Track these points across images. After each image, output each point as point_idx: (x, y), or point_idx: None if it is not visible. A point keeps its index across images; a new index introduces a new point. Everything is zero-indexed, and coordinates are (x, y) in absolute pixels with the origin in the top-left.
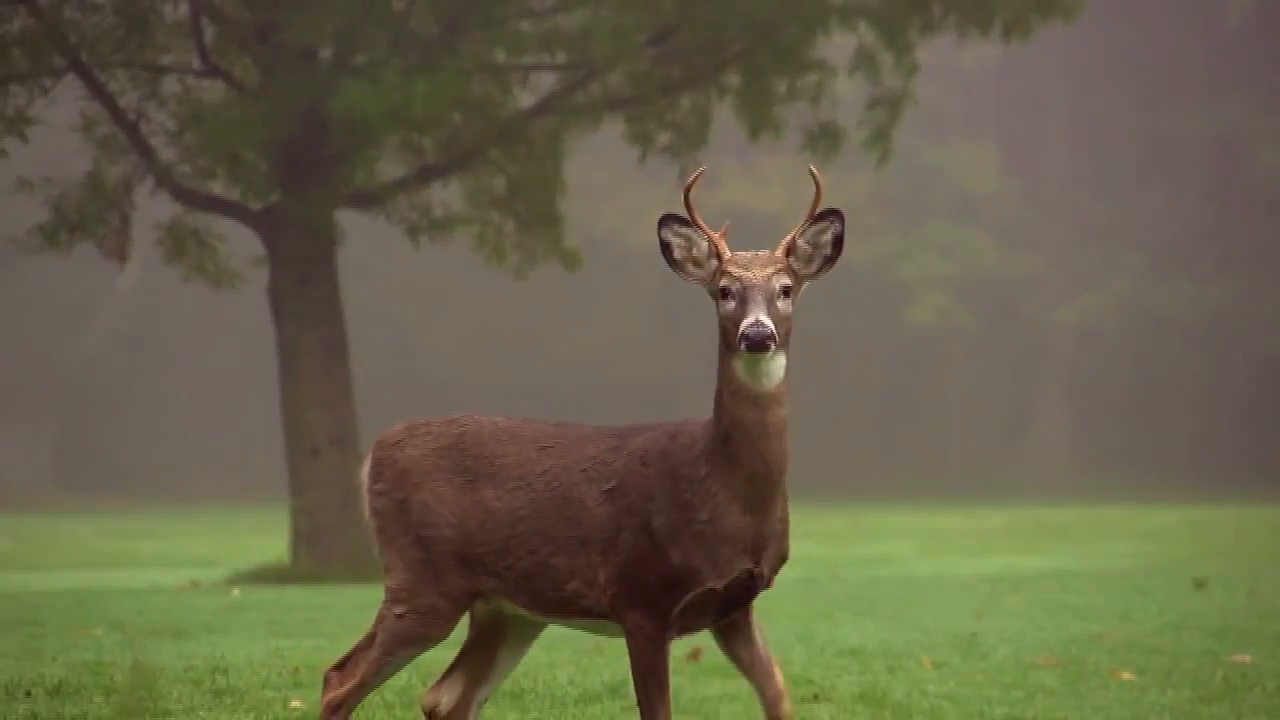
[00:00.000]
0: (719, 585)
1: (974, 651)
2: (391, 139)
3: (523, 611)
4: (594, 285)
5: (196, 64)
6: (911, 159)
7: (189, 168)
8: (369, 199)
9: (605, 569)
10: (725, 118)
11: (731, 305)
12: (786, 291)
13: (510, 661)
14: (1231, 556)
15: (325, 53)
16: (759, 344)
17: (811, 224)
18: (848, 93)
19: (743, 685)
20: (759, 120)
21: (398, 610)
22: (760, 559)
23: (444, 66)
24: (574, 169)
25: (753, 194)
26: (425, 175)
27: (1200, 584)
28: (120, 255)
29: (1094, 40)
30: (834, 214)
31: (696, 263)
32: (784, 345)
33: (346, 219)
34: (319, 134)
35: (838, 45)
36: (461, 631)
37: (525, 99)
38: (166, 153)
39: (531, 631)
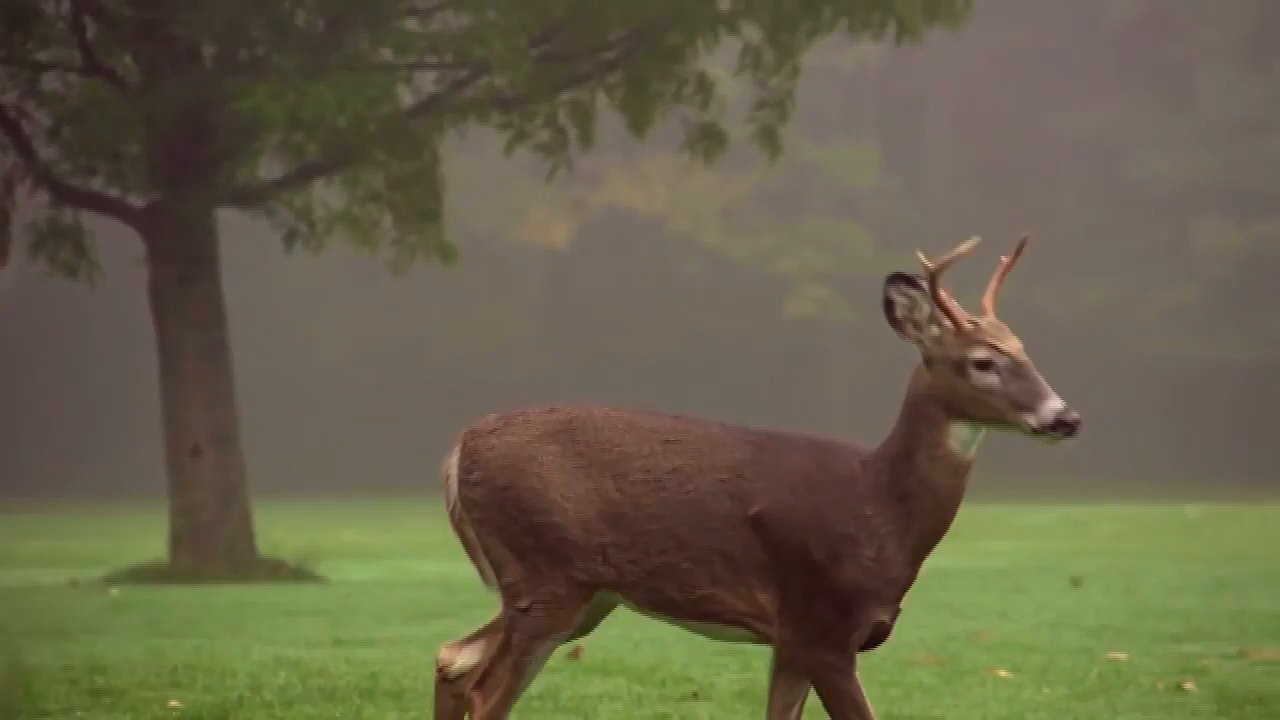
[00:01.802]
0: (887, 619)
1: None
2: (275, 138)
3: (632, 605)
4: (475, 283)
5: (78, 61)
6: (793, 156)
7: (69, 166)
8: (251, 198)
9: (767, 596)
10: (608, 117)
11: (994, 380)
12: None
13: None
14: (1108, 555)
15: (209, 50)
16: (1075, 428)
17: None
18: (733, 92)
19: (622, 683)
20: (643, 120)
21: (522, 604)
22: (900, 603)
23: (331, 66)
24: (458, 166)
25: (636, 193)
26: (307, 174)
27: (1077, 582)
28: (1, 255)
29: (976, 41)
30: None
31: (916, 325)
32: None
33: (228, 217)
34: (201, 132)
35: (724, 46)
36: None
37: (408, 97)
38: (47, 150)
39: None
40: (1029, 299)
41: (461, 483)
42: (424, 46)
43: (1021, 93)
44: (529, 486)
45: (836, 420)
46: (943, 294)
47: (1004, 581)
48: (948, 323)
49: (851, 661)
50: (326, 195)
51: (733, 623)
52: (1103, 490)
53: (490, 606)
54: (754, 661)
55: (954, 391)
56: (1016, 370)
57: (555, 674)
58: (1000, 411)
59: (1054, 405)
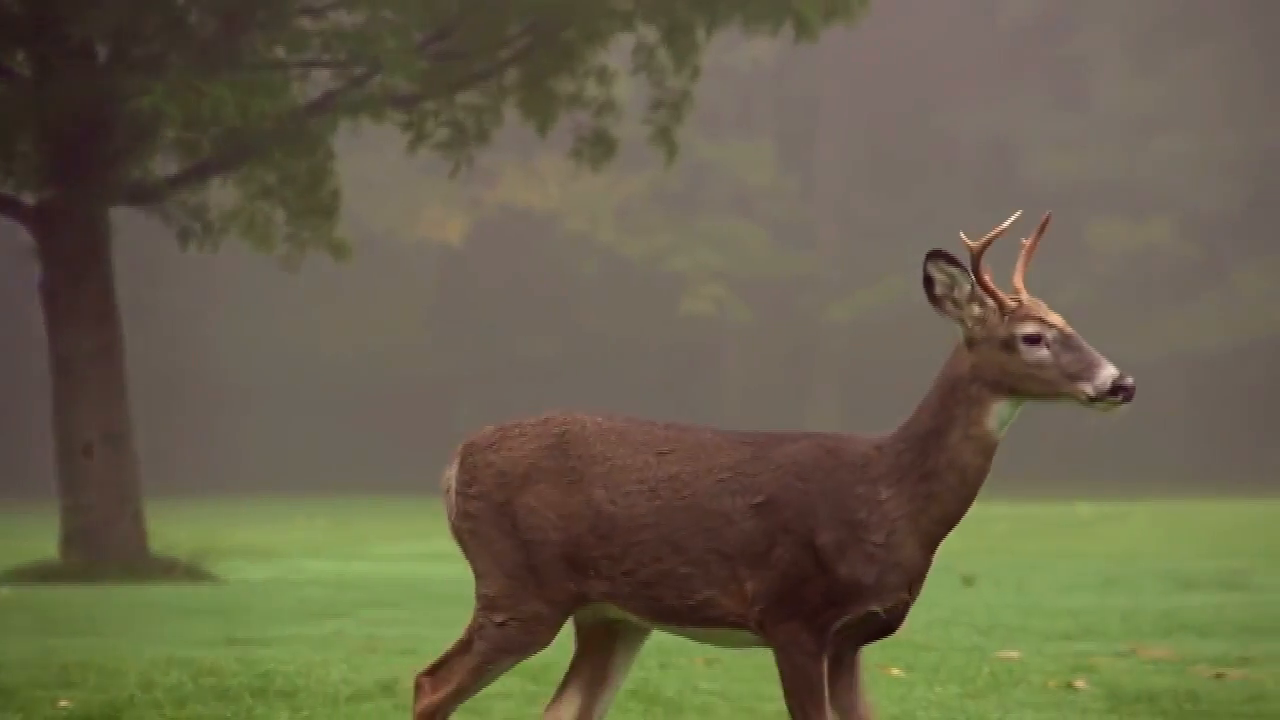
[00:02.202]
0: (881, 609)
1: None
2: (170, 135)
3: (632, 617)
4: (370, 281)
5: None
6: (688, 155)
7: None
8: (145, 195)
9: (754, 582)
10: (502, 115)
11: (1045, 353)
12: None
13: (626, 663)
14: (1000, 553)
15: (103, 48)
16: (1133, 394)
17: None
18: (629, 91)
19: (516, 683)
20: (546, 119)
21: (498, 618)
22: (913, 590)
23: (224, 64)
24: (353, 164)
25: (531, 191)
26: (202, 171)
27: (969, 580)
28: None
29: (870, 39)
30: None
31: (955, 303)
32: None
33: (121, 215)
34: (95, 130)
35: (620, 45)
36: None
37: (303, 95)
38: None
39: (642, 632)
40: (922, 299)
41: (460, 495)
42: (318, 45)
43: (916, 91)
44: (525, 504)
45: (729, 418)
46: (985, 273)
47: None
48: (990, 301)
49: (823, 645)
50: (221, 195)
51: (734, 625)
52: (993, 489)
53: (393, 605)
54: (646, 660)
55: (1003, 369)
56: (1066, 342)
57: None
58: (1055, 384)
59: (1109, 371)
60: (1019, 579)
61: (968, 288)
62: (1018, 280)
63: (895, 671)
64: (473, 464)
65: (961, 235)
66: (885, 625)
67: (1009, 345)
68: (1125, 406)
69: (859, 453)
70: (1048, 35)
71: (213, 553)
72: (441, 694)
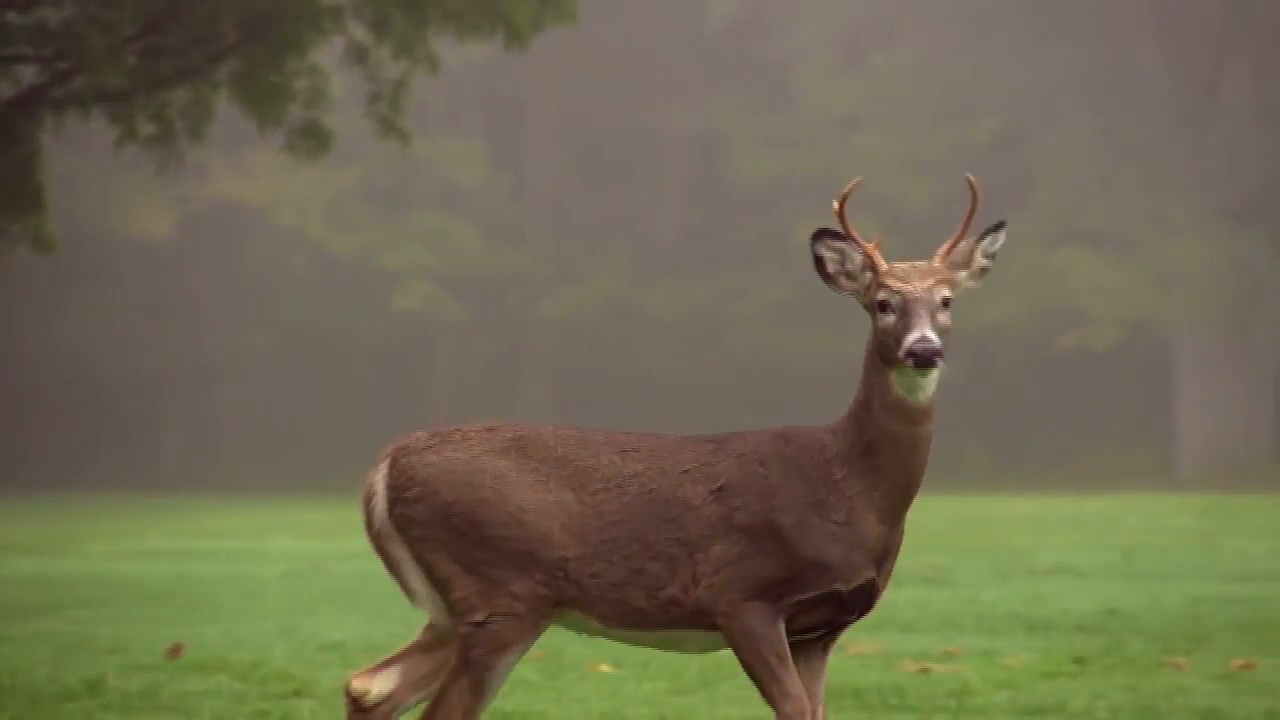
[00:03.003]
0: (845, 589)
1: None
2: None
3: (595, 625)
4: (78, 277)
5: None
6: (398, 152)
7: None
8: None
9: (705, 564)
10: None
11: (892, 319)
12: (947, 303)
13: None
14: None
15: None
16: (927, 360)
17: (984, 234)
18: (345, 85)
19: (224, 681)
20: (267, 115)
21: (477, 618)
22: (881, 570)
23: None
24: (63, 159)
25: (241, 186)
26: None
27: None
28: None
29: (579, 39)
30: (1002, 225)
31: (850, 276)
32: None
33: None
34: None
35: (333, 43)
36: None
37: (7, 89)
38: None
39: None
40: (632, 299)
41: (394, 501)
42: (23, 40)
43: (623, 91)
44: (480, 499)
45: (440, 415)
46: (866, 244)
47: None
48: (869, 274)
49: (778, 612)
50: None
51: (697, 625)
52: None
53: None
54: (357, 658)
55: (875, 336)
56: (904, 308)
57: (155, 672)
58: (894, 350)
59: (910, 336)
60: None
61: (858, 258)
62: (942, 250)
63: (605, 668)
64: (407, 466)
65: (969, 177)
66: (852, 608)
67: (874, 311)
68: (932, 375)
69: (815, 438)
70: (751, 35)
71: None
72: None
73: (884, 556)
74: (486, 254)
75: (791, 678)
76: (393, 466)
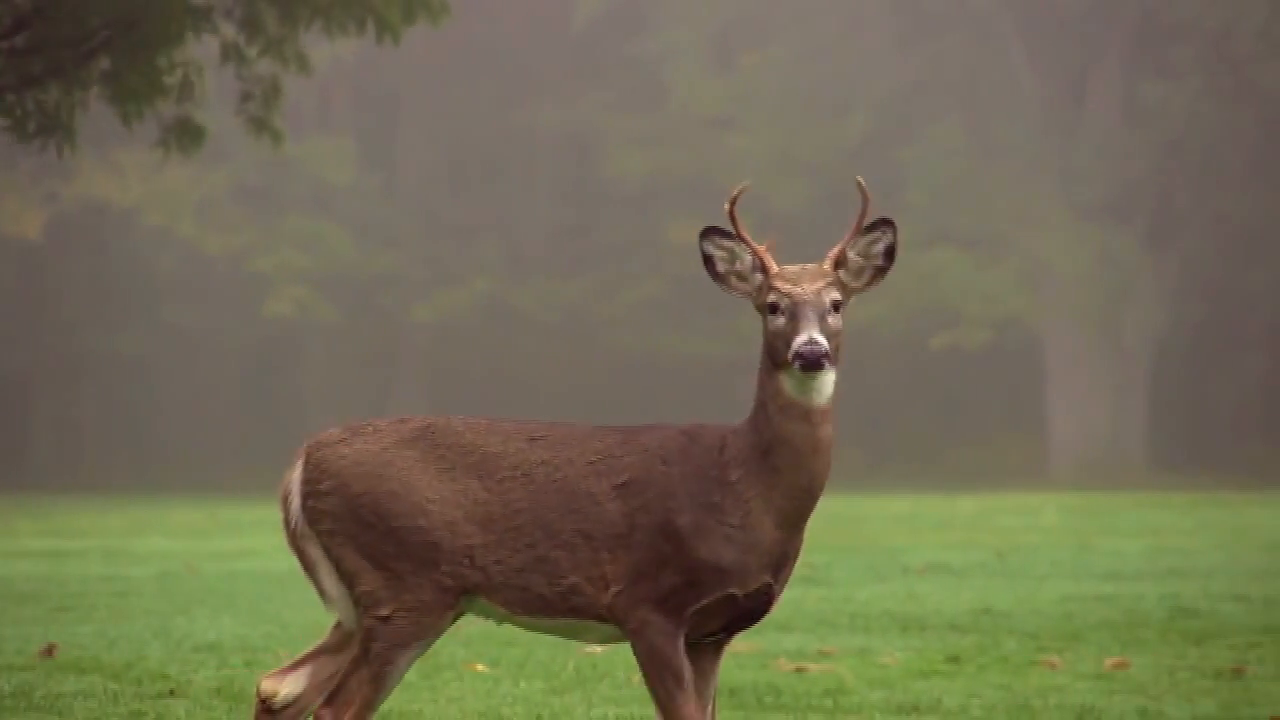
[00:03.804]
0: (740, 593)
1: None
2: None
3: (500, 611)
4: None
5: None
6: (269, 152)
7: None
8: None
9: (614, 566)
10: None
11: (781, 321)
12: (837, 306)
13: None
14: None
15: None
16: (813, 363)
17: (862, 235)
18: (217, 84)
19: (98, 681)
20: (134, 112)
21: (383, 612)
22: (779, 575)
23: None
24: None
25: (110, 185)
26: None
27: None
28: None
29: (450, 38)
30: (885, 224)
31: (740, 276)
32: (836, 361)
33: None
34: None
35: (207, 42)
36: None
37: None
38: None
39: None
40: (505, 298)
41: (308, 495)
42: None
43: (495, 89)
44: (388, 491)
45: (312, 417)
46: (756, 245)
47: None
48: (759, 275)
49: (679, 626)
50: None
51: (597, 617)
52: None
53: None
54: (231, 658)
55: (767, 339)
56: (793, 311)
57: (28, 672)
58: (781, 353)
59: (798, 339)
60: None
61: (748, 259)
62: (833, 252)
63: (480, 667)
64: (320, 460)
65: (858, 179)
66: (748, 613)
67: (764, 313)
68: (822, 377)
69: (717, 436)
70: (624, 33)
71: None
72: (347, 717)
73: (781, 562)
74: (358, 254)
75: (688, 701)
76: (307, 461)
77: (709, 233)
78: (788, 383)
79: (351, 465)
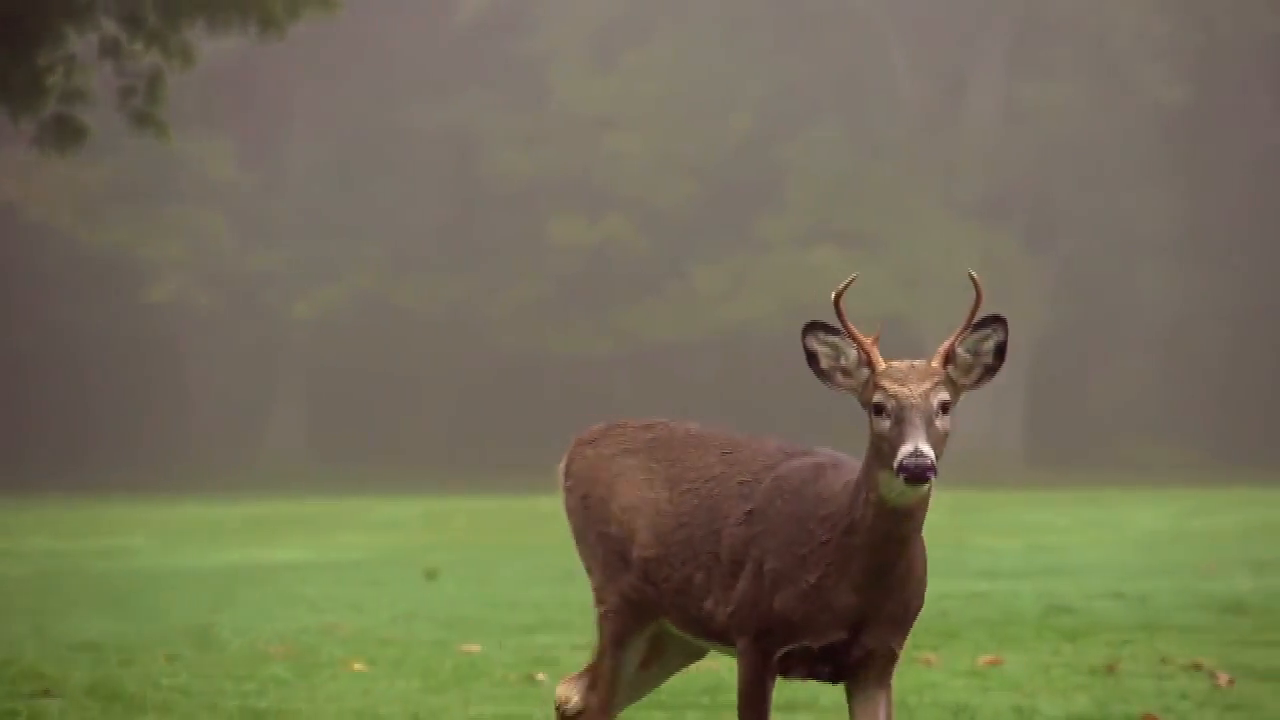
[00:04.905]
0: (814, 645)
1: (209, 644)
2: None
3: (675, 629)
4: None
5: None
6: (151, 148)
7: None
8: None
9: (734, 593)
10: None
11: (887, 424)
12: (945, 407)
13: (652, 678)
14: (463, 547)
15: None
16: (919, 477)
17: (972, 331)
18: (99, 77)
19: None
20: (20, 108)
21: (601, 609)
22: (860, 632)
23: None
24: None
25: None
26: None
27: (431, 575)
28: None
29: (333, 35)
30: (997, 321)
31: (846, 372)
32: (938, 469)
33: None
34: None
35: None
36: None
37: None
38: None
39: (683, 650)
40: (387, 295)
41: (563, 488)
42: None
43: (377, 86)
44: (599, 497)
45: (191, 416)
46: (863, 338)
47: (359, 575)
48: (865, 370)
49: (768, 670)
50: None
51: (730, 642)
52: (454, 483)
53: None
54: (107, 656)
55: (873, 438)
56: (899, 413)
57: None
58: (887, 456)
59: (904, 449)
60: (481, 573)
61: (853, 354)
62: (943, 349)
63: (358, 666)
64: (571, 456)
65: (970, 273)
66: (834, 663)
67: (870, 412)
68: (916, 488)
69: (837, 484)
70: (506, 32)
71: None
72: (599, 695)
73: (861, 622)
74: (240, 251)
75: None
76: (567, 455)
77: (812, 328)
78: (887, 484)
79: (585, 467)
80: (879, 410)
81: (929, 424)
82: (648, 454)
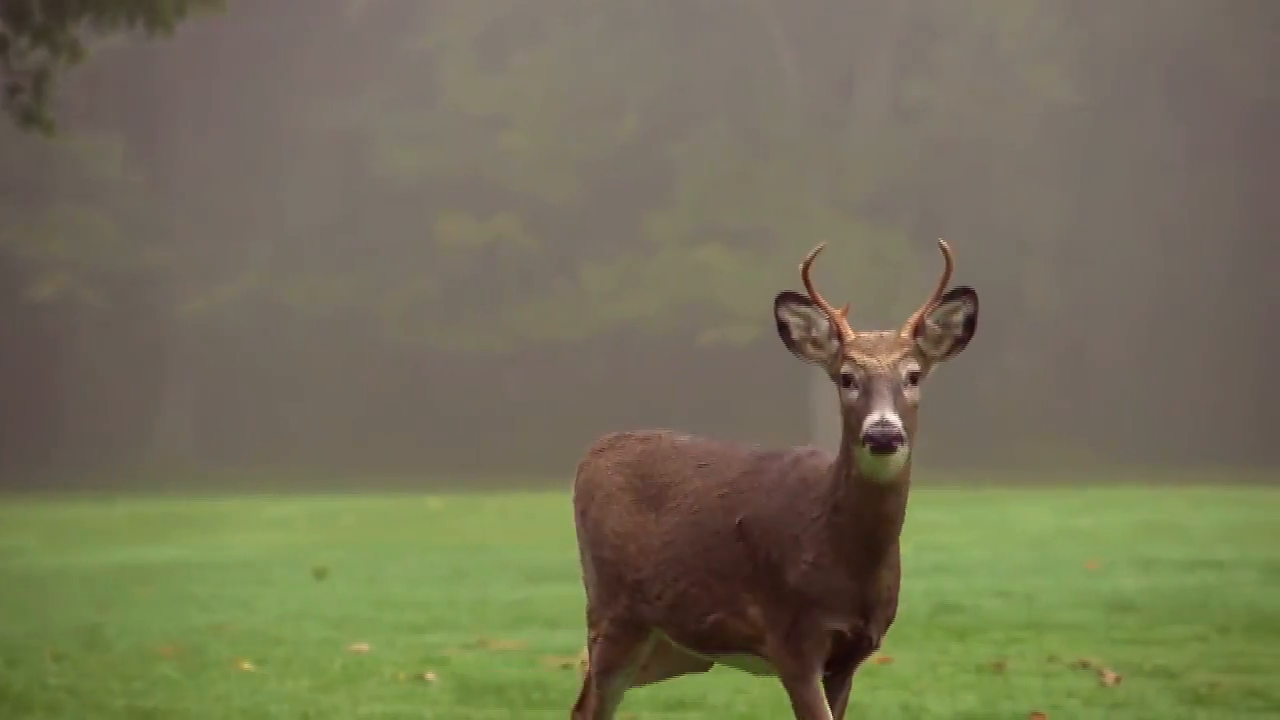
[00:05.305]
0: (845, 629)
1: (96, 643)
2: None
3: (674, 643)
4: None
5: None
6: (33, 145)
7: None
8: None
9: (756, 607)
10: None
11: (855, 395)
12: (914, 378)
13: (656, 670)
14: (352, 546)
15: None
16: (884, 446)
17: (941, 303)
18: None
19: None
20: None
21: (591, 634)
22: (868, 620)
23: None
24: None
25: None
26: None
27: (320, 574)
28: None
29: (222, 31)
30: (966, 293)
31: (816, 343)
32: (910, 439)
33: None
34: None
35: None
36: None
37: None
38: None
39: (685, 660)
40: (274, 294)
41: (572, 500)
42: None
43: (266, 85)
44: (593, 518)
45: (83, 416)
46: (833, 310)
47: (247, 574)
48: (835, 342)
49: (810, 669)
50: None
51: (743, 650)
52: (342, 482)
53: None
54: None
55: (843, 411)
56: (866, 385)
57: None
58: (855, 429)
59: (870, 419)
60: (370, 572)
61: (824, 325)
62: (912, 320)
63: (247, 665)
64: (579, 468)
65: (941, 243)
66: (854, 644)
67: (839, 384)
68: (884, 457)
69: (817, 469)
70: (395, 29)
71: None
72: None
73: (865, 608)
74: (125, 249)
75: None
76: (577, 466)
77: (784, 298)
78: (860, 458)
79: (585, 482)
80: (847, 381)
81: (896, 394)
82: (633, 471)
